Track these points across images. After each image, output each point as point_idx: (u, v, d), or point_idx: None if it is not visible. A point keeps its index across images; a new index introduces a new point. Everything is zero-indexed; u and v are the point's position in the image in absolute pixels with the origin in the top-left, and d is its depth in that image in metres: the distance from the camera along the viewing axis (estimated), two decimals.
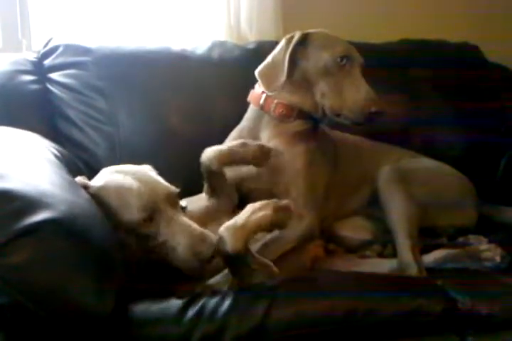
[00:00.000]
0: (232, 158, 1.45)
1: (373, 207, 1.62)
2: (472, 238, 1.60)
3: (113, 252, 1.13)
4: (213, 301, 1.18)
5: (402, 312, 1.24)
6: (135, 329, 1.13)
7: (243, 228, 1.20)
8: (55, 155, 1.35)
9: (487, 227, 1.70)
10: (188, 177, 1.52)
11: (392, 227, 1.53)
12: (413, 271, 1.45)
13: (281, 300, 1.20)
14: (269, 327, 1.16)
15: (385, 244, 1.59)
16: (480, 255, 1.50)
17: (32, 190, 1.08)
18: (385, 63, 2.07)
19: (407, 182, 1.58)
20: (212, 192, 1.50)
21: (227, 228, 1.20)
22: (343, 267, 1.47)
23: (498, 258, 1.48)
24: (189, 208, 1.41)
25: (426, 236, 1.59)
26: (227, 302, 1.17)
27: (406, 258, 1.47)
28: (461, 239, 1.61)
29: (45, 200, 1.06)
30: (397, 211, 1.54)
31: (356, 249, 1.59)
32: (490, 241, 1.57)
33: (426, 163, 1.75)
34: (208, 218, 1.42)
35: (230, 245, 1.18)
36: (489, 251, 1.50)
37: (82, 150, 1.75)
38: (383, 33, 2.23)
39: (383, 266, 1.50)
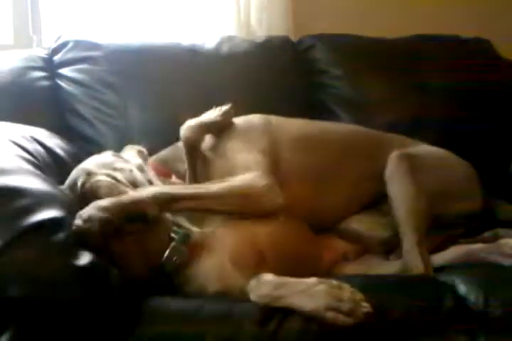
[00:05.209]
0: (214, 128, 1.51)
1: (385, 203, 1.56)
2: (501, 231, 1.51)
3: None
4: (228, 305, 1.17)
5: (411, 313, 1.22)
6: (148, 326, 1.12)
7: (274, 299, 1.13)
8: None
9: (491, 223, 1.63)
10: None
11: (398, 220, 1.47)
12: (418, 270, 1.40)
13: None
14: (282, 334, 1.13)
15: None
16: (506, 250, 1.41)
17: (36, 188, 1.12)
18: (398, 58, 2.06)
19: (415, 169, 1.51)
20: (195, 178, 1.49)
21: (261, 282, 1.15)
22: (355, 271, 1.44)
23: None
24: None
25: (439, 229, 1.52)
26: (242, 307, 1.16)
27: (411, 256, 1.42)
28: (487, 234, 1.53)
29: (49, 199, 1.10)
30: (405, 203, 1.48)
31: (375, 247, 1.52)
32: None
33: (430, 149, 1.67)
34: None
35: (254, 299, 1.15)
36: None
37: (92, 145, 1.76)
38: (395, 28, 2.22)
39: (392, 267, 1.45)
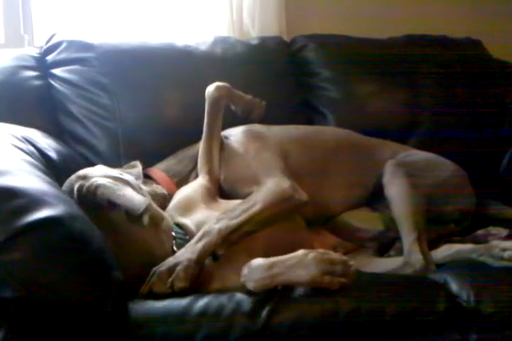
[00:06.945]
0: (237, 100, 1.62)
1: (379, 202, 1.61)
2: (493, 230, 1.54)
3: (110, 252, 1.13)
4: (218, 301, 1.18)
5: (405, 312, 1.23)
6: (138, 328, 1.13)
7: (271, 279, 1.16)
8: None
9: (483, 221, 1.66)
10: None
11: (398, 220, 1.51)
12: (420, 264, 1.42)
13: (285, 301, 1.18)
14: (273, 329, 1.15)
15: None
16: (502, 254, 1.39)
17: (34, 188, 1.11)
18: (389, 59, 2.07)
19: (412, 175, 1.57)
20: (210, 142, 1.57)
21: (252, 268, 1.17)
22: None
23: None
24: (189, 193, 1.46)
25: (433, 224, 1.55)
26: (232, 303, 1.17)
27: (412, 251, 1.44)
28: (480, 232, 1.55)
29: (46, 199, 1.09)
30: (402, 203, 1.52)
31: (368, 241, 1.56)
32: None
33: (421, 154, 1.75)
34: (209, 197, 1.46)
35: (251, 287, 1.17)
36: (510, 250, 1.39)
37: (84, 146, 1.76)
38: (387, 29, 2.23)
39: (390, 264, 1.47)
